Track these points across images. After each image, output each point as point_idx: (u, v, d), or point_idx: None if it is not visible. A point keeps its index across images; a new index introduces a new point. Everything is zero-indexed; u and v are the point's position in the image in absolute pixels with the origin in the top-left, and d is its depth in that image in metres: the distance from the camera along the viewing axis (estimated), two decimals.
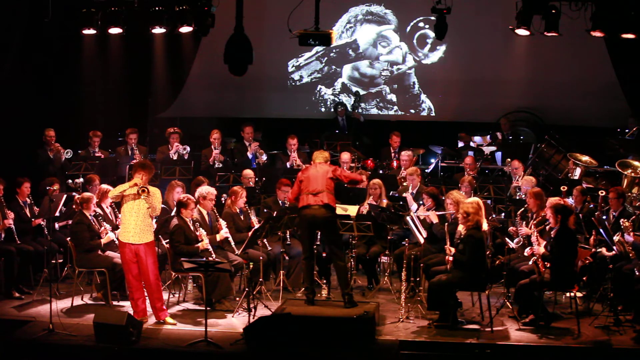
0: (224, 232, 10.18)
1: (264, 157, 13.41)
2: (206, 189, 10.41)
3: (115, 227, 10.35)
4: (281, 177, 12.15)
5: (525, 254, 9.68)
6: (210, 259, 9.56)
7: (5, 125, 12.64)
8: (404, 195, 11.54)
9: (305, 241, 9.63)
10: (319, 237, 10.17)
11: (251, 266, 9.56)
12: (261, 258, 10.25)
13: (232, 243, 10.22)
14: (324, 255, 10.38)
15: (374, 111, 16.48)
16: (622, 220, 9.82)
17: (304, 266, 9.68)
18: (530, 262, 9.44)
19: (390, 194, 12.01)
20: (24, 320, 9.37)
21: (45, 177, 11.60)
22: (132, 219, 9.17)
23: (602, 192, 10.70)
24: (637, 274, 9.34)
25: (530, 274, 9.43)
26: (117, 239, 9.53)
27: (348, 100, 16.29)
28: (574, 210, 10.65)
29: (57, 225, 11.11)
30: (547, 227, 9.51)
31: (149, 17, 11.67)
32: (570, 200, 11.15)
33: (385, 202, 11.24)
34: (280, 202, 11.31)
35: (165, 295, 9.69)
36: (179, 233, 9.80)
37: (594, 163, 12.95)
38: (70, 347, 8.54)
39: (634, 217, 9.93)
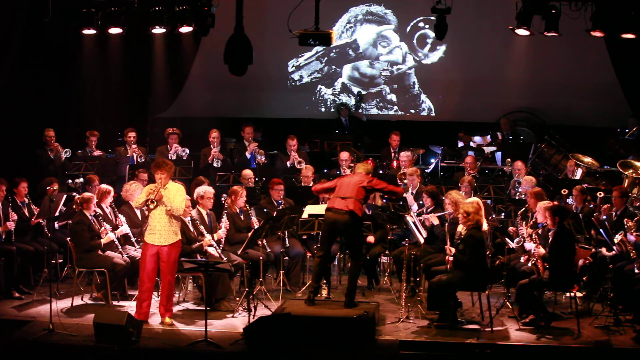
0: (222, 232, 10.19)
1: (263, 158, 13.40)
2: (203, 189, 10.40)
3: (115, 227, 10.36)
4: (279, 177, 12.16)
5: (522, 260, 9.69)
6: (214, 255, 9.61)
7: (5, 125, 12.64)
8: (404, 195, 11.54)
9: (324, 242, 9.51)
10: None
11: (247, 272, 9.64)
12: (261, 258, 10.26)
13: (221, 246, 10.20)
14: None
15: (374, 111, 16.48)
16: (625, 219, 9.83)
17: (315, 265, 9.57)
18: (530, 264, 9.44)
19: None
20: (24, 320, 9.37)
21: (45, 177, 11.60)
22: (156, 221, 9.18)
23: (600, 194, 10.69)
24: (637, 271, 9.34)
25: (530, 274, 9.44)
26: (143, 239, 9.50)
27: (349, 100, 16.29)
28: (574, 210, 10.69)
29: (56, 225, 11.11)
30: (544, 230, 9.53)
31: (149, 17, 11.66)
32: (570, 201, 11.17)
33: (380, 203, 11.26)
34: (275, 202, 11.31)
35: None
36: (180, 233, 9.79)
37: (595, 164, 12.96)
38: (70, 347, 8.53)
39: (637, 217, 9.94)
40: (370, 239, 10.78)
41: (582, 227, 10.13)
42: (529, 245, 9.45)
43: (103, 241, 10.11)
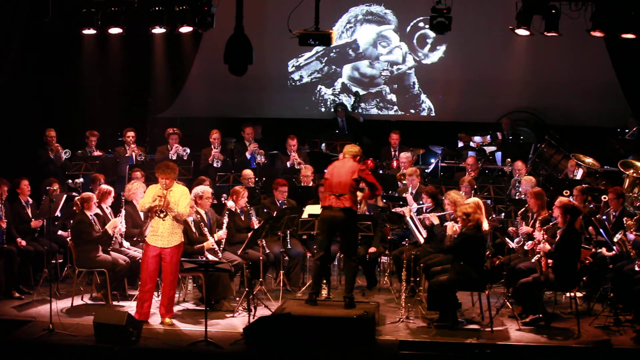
0: (222, 233, 10.18)
1: (262, 158, 13.39)
2: (201, 189, 10.37)
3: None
4: (280, 177, 12.15)
5: (526, 247, 9.67)
6: (216, 258, 9.60)
7: (5, 126, 12.64)
8: (404, 195, 11.54)
9: (322, 242, 9.43)
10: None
11: (247, 273, 9.69)
12: (261, 258, 10.26)
13: (221, 246, 10.20)
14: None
15: (374, 111, 16.47)
16: (625, 218, 9.83)
17: (315, 266, 9.52)
18: (533, 260, 9.41)
19: (390, 193, 12.03)
20: (24, 320, 9.37)
21: (45, 177, 11.61)
22: (160, 223, 9.17)
23: (604, 198, 10.67)
24: (638, 269, 9.33)
25: (529, 272, 9.44)
26: (144, 240, 9.50)
27: (348, 101, 16.28)
28: None
29: (60, 232, 11.11)
30: (552, 225, 9.50)
31: (149, 17, 11.66)
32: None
33: (381, 204, 11.26)
34: (278, 202, 11.31)
35: None
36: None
37: (596, 165, 12.97)
38: (70, 347, 8.54)
39: (637, 216, 9.95)
40: (372, 249, 10.79)
41: (582, 227, 10.13)
42: (538, 235, 9.38)
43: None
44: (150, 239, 9.25)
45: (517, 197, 11.78)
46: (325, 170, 9.72)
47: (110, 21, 11.76)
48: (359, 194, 9.72)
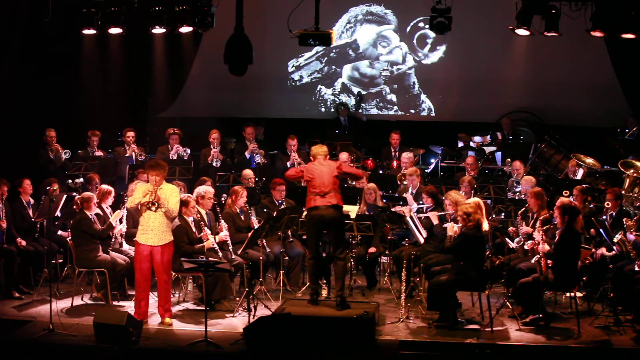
0: (223, 235, 10.17)
1: (262, 158, 13.37)
2: (204, 189, 10.39)
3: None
4: (280, 177, 12.14)
5: (526, 247, 9.67)
6: (216, 259, 9.61)
7: (5, 126, 12.64)
8: (404, 195, 11.54)
9: (312, 242, 9.53)
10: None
11: (247, 272, 9.69)
12: (261, 258, 10.26)
13: (230, 246, 10.20)
14: (324, 255, 10.38)
15: (374, 111, 16.47)
16: (625, 218, 9.83)
17: (310, 267, 9.61)
18: (533, 261, 9.42)
19: (390, 193, 12.02)
20: (24, 320, 9.38)
21: (45, 177, 11.61)
22: (150, 221, 9.16)
23: (607, 204, 10.64)
24: (638, 269, 9.34)
25: (529, 272, 9.44)
26: (135, 239, 9.49)
27: (349, 100, 16.28)
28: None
29: (60, 232, 11.11)
30: (552, 227, 9.50)
31: (149, 17, 11.67)
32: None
33: (381, 203, 11.25)
34: (276, 202, 11.31)
35: None
36: (182, 233, 9.78)
37: (597, 165, 12.96)
38: (70, 347, 8.54)
39: (637, 216, 9.95)
40: (372, 249, 10.80)
41: (583, 228, 10.11)
42: (537, 236, 9.37)
43: None
44: (140, 237, 9.23)
45: (516, 198, 11.77)
46: (302, 174, 9.68)
47: (110, 21, 11.76)
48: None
